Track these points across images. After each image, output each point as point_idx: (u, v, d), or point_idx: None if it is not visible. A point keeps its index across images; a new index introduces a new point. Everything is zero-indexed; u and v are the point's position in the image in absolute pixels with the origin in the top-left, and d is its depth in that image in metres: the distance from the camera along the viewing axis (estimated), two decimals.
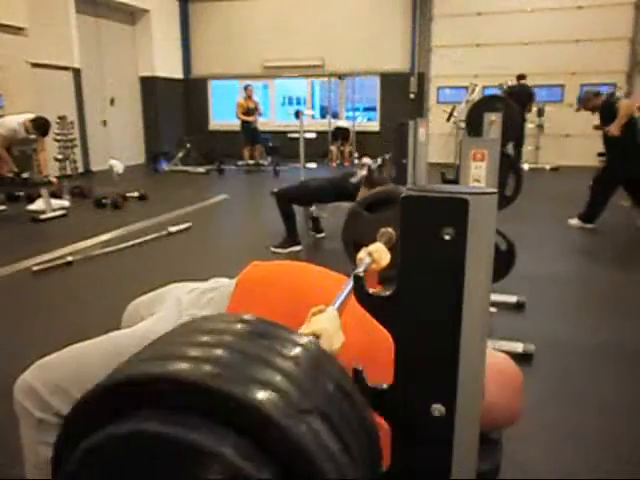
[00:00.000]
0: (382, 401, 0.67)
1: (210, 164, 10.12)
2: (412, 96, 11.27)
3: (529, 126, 9.84)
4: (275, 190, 4.64)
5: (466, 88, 10.03)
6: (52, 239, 4.95)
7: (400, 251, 0.64)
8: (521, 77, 9.45)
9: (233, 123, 10.98)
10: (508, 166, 2.71)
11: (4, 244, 4.91)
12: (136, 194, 6.79)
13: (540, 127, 10.25)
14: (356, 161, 10.69)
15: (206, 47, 12.31)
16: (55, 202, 6.04)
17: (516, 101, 3.61)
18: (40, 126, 5.95)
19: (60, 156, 8.59)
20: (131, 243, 4.51)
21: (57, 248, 4.45)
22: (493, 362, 1.10)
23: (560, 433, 1.97)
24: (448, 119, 10.05)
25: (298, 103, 13.31)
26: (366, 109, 12.64)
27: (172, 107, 12.06)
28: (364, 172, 4.13)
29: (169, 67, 11.87)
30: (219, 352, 0.54)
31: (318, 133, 10.10)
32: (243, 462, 0.47)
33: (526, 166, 9.41)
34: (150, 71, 11.37)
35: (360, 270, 1.02)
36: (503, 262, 2.63)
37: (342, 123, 11.17)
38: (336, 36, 11.34)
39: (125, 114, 10.99)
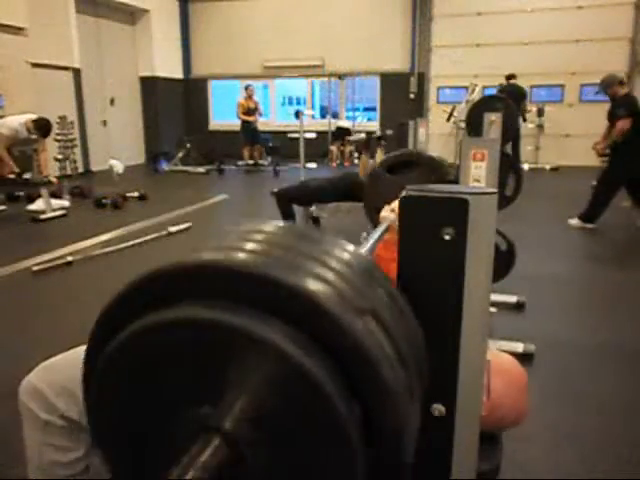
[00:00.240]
0: None
1: (210, 164, 10.12)
2: (412, 96, 11.28)
3: (529, 126, 9.84)
4: (275, 190, 4.64)
5: (466, 88, 10.03)
6: (52, 239, 4.95)
7: (400, 251, 0.64)
8: (511, 77, 9.43)
9: (233, 123, 10.99)
10: (508, 166, 2.71)
11: (4, 244, 4.91)
12: (136, 194, 6.78)
13: (540, 127, 10.25)
14: (356, 161, 10.69)
15: (206, 47, 12.31)
16: (55, 202, 6.04)
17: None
18: (42, 127, 5.96)
19: (60, 156, 8.59)
20: (131, 243, 4.51)
21: (57, 248, 4.45)
22: (498, 362, 1.10)
23: (560, 433, 1.97)
24: (448, 119, 10.05)
25: (298, 103, 13.31)
26: (366, 109, 12.65)
27: (172, 107, 12.06)
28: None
29: (169, 67, 11.87)
30: (269, 246, 0.51)
31: (318, 133, 10.12)
32: (295, 351, 0.44)
33: (526, 166, 9.41)
34: (150, 71, 11.37)
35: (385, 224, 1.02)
36: (503, 262, 2.62)
37: (343, 123, 11.16)
38: (336, 36, 11.35)
39: (125, 114, 10.99)
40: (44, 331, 2.83)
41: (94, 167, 9.79)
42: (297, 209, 4.52)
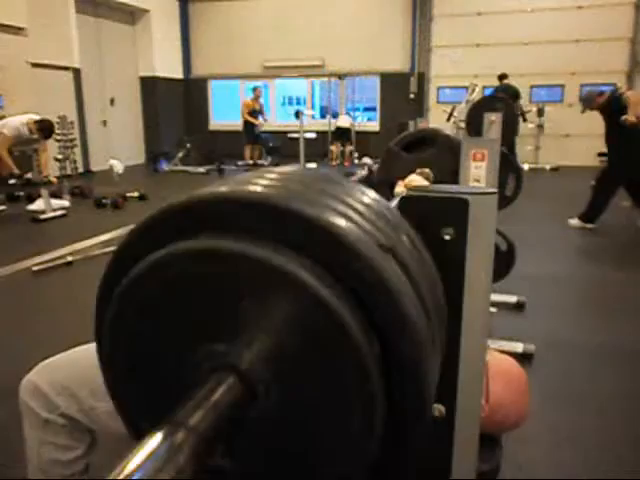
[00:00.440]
0: None
1: (210, 164, 10.13)
2: (412, 96, 11.28)
3: (529, 126, 9.84)
4: None
5: (466, 88, 10.03)
6: (52, 239, 4.95)
7: None
8: (503, 77, 9.43)
9: (233, 123, 11.00)
10: (508, 166, 2.71)
11: (4, 244, 4.91)
12: (136, 194, 6.78)
13: (540, 127, 10.25)
14: (356, 161, 10.69)
15: (206, 47, 12.31)
16: (55, 202, 6.05)
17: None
18: (44, 128, 5.96)
19: (60, 156, 8.59)
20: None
21: (57, 248, 4.45)
22: (498, 364, 1.10)
23: (560, 433, 1.97)
24: (448, 119, 10.04)
25: (298, 103, 13.31)
26: (366, 109, 12.65)
27: (172, 107, 12.07)
28: (364, 172, 4.14)
29: (169, 67, 11.87)
30: (293, 185, 0.50)
31: (318, 133, 10.11)
32: (315, 283, 0.43)
33: (526, 166, 9.41)
34: (150, 71, 11.37)
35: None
36: (503, 262, 2.62)
37: (343, 123, 11.12)
38: (336, 36, 11.34)
39: (125, 114, 10.99)
40: (44, 331, 2.83)
41: (94, 167, 9.79)
42: None
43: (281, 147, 10.87)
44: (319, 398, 0.46)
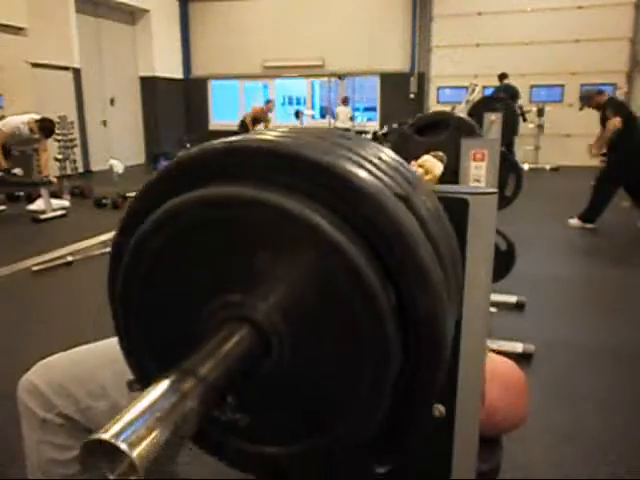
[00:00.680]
0: None
1: None
2: (412, 96, 11.28)
3: (529, 126, 9.84)
4: None
5: (466, 88, 10.03)
6: (52, 239, 4.95)
7: None
8: (503, 76, 9.43)
9: (234, 123, 10.99)
10: (508, 166, 2.71)
11: (4, 244, 4.91)
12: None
13: (540, 127, 10.25)
14: None
15: (206, 47, 12.31)
16: (55, 202, 6.05)
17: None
18: (45, 127, 5.95)
19: (60, 156, 8.60)
20: None
21: (57, 248, 4.45)
22: (495, 367, 1.09)
23: (560, 433, 1.96)
24: None
25: (298, 103, 13.31)
26: (366, 109, 12.65)
27: (172, 107, 12.07)
28: None
29: (169, 67, 11.87)
30: (303, 134, 0.50)
31: None
32: (334, 232, 0.42)
33: (526, 166, 9.41)
34: (150, 71, 11.37)
35: None
36: (503, 262, 2.62)
37: (342, 124, 11.08)
38: (336, 36, 11.34)
39: (125, 114, 10.99)
40: (44, 331, 2.83)
41: (94, 167, 9.79)
42: None
43: None
44: (333, 350, 0.45)
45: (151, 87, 11.45)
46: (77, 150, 9.24)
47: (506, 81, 9.42)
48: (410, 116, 4.50)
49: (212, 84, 12.74)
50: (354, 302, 0.43)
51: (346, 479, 0.52)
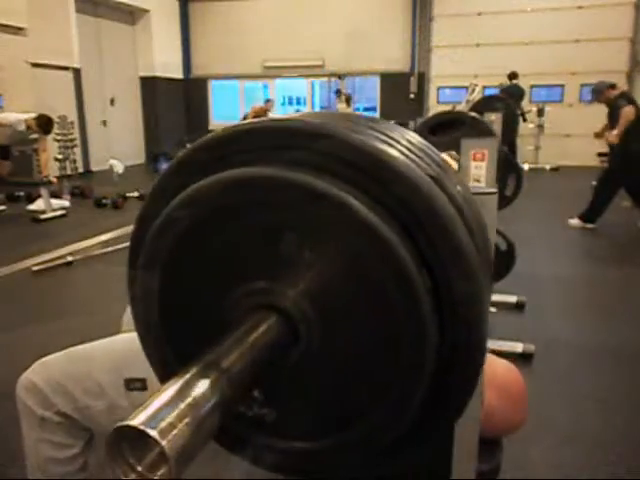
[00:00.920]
0: None
1: None
2: (412, 96, 11.28)
3: (529, 126, 9.84)
4: None
5: (466, 88, 10.03)
6: (52, 239, 4.95)
7: None
8: (513, 76, 9.44)
9: (234, 123, 10.99)
10: (509, 166, 2.70)
11: (4, 244, 4.91)
12: (136, 194, 6.78)
13: (540, 127, 10.25)
14: None
15: (206, 47, 12.31)
16: (55, 202, 6.04)
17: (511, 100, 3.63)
18: (43, 124, 5.92)
19: (60, 156, 8.59)
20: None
21: (57, 248, 4.45)
22: (493, 370, 1.08)
23: (560, 433, 1.96)
24: None
25: (298, 103, 13.31)
26: (366, 109, 12.64)
27: (172, 107, 12.06)
28: None
29: (169, 67, 11.87)
30: (336, 119, 0.49)
31: None
32: (366, 212, 0.40)
33: (526, 166, 9.40)
34: (150, 71, 11.37)
35: None
36: (503, 262, 2.62)
37: None
38: (336, 36, 11.34)
39: (125, 114, 10.99)
40: (44, 331, 2.83)
41: (94, 167, 9.79)
42: None
43: None
44: (366, 335, 0.44)
45: (151, 87, 11.45)
46: (77, 150, 9.24)
47: (515, 81, 9.43)
48: (410, 116, 4.49)
49: (212, 84, 12.74)
50: (388, 284, 0.41)
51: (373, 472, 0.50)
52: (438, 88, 11.23)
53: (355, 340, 0.44)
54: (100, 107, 10.26)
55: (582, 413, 2.10)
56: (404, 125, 3.35)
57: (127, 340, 1.26)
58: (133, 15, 11.07)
